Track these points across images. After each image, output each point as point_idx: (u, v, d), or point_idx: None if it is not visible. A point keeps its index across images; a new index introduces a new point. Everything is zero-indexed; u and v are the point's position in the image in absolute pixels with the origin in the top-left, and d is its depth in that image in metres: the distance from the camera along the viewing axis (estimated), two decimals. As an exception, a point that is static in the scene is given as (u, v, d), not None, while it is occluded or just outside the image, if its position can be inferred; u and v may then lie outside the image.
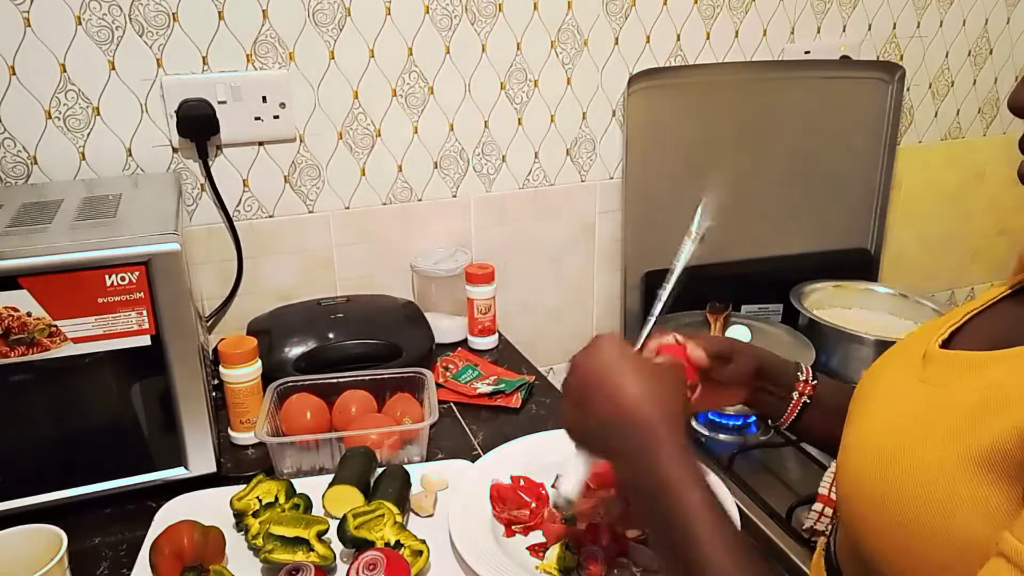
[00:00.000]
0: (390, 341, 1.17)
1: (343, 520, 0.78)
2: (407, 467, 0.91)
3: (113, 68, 1.11)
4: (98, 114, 1.12)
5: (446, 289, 1.30)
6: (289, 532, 0.77)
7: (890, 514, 0.51)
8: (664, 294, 0.77)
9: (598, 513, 0.79)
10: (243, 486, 0.85)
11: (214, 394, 0.98)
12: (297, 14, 1.17)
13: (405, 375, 1.06)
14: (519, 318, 1.46)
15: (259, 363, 1.01)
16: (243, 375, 0.99)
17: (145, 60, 1.12)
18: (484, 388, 1.14)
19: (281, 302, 1.27)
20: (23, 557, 0.71)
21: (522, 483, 0.87)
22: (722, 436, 1.20)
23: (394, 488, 0.86)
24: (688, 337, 0.77)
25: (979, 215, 1.82)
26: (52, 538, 0.72)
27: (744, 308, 1.52)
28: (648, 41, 1.39)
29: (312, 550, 0.76)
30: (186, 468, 0.92)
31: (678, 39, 1.41)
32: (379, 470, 0.90)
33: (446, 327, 1.30)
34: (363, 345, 1.16)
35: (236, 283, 1.25)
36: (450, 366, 1.21)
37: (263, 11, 1.15)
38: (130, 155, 1.15)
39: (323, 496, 0.86)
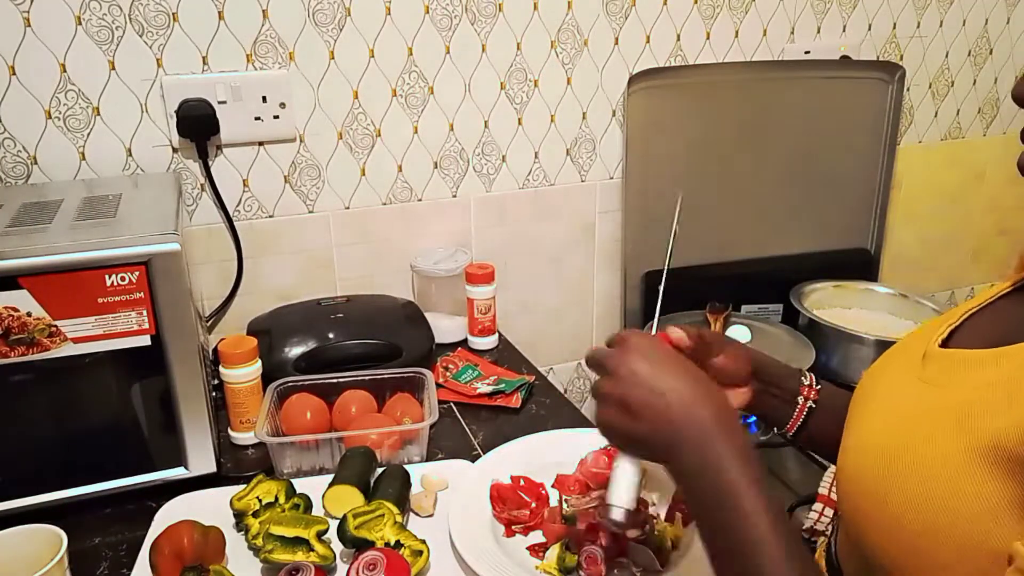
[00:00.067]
0: (390, 341, 1.17)
1: (343, 520, 0.78)
2: (407, 467, 0.91)
3: (113, 68, 1.11)
4: (98, 114, 1.12)
5: (446, 289, 1.30)
6: (289, 532, 0.77)
7: (891, 513, 0.51)
8: (660, 290, 0.75)
9: (598, 513, 0.79)
10: (243, 486, 0.85)
11: (214, 394, 0.98)
12: (297, 14, 1.17)
13: (405, 375, 1.06)
14: (519, 318, 1.46)
15: (259, 363, 1.01)
16: (243, 375, 0.99)
17: (145, 60, 1.12)
18: (484, 388, 1.14)
19: (281, 302, 1.27)
20: (23, 557, 0.71)
21: (522, 483, 0.87)
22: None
23: (394, 488, 0.86)
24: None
25: (979, 215, 1.82)
26: (52, 538, 0.72)
27: (744, 308, 1.52)
28: (648, 41, 1.39)
29: (312, 550, 0.76)
30: (186, 468, 0.92)
31: (678, 39, 1.41)
32: (379, 470, 0.90)
33: (446, 327, 1.29)
34: (363, 345, 1.16)
35: (236, 283, 1.25)
36: (450, 366, 1.21)
37: (263, 11, 1.15)
38: (130, 155, 1.15)
39: (323, 496, 0.86)
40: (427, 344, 1.21)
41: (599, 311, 1.54)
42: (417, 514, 0.87)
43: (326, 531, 0.78)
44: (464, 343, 1.30)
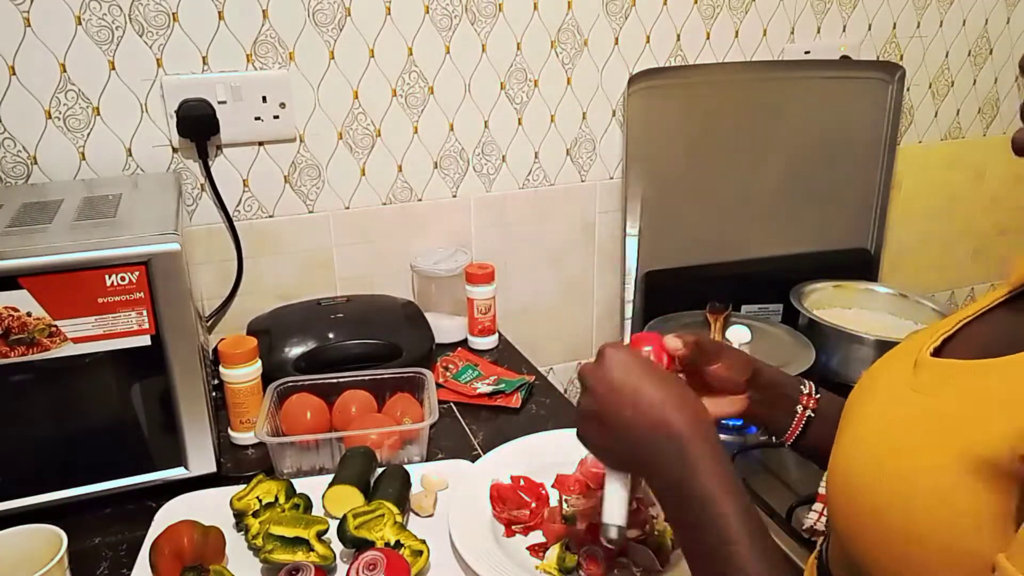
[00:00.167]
0: (390, 341, 1.17)
1: (343, 520, 0.78)
2: (407, 467, 0.91)
3: (113, 68, 1.11)
4: (98, 114, 1.12)
5: (446, 289, 1.30)
6: (289, 532, 0.77)
7: (881, 522, 0.51)
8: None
9: (598, 513, 0.79)
10: (243, 486, 0.85)
11: (214, 394, 0.98)
12: (297, 14, 1.17)
13: (405, 375, 1.06)
14: (519, 318, 1.46)
15: (259, 363, 1.01)
16: (243, 375, 0.99)
17: (145, 60, 1.12)
18: (484, 388, 1.14)
19: (281, 302, 1.27)
20: (23, 557, 0.71)
21: (522, 483, 0.87)
22: (722, 436, 1.20)
23: (394, 488, 0.86)
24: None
25: (979, 215, 1.82)
26: (52, 538, 0.72)
27: (744, 308, 1.52)
28: (648, 41, 1.39)
29: (312, 550, 0.76)
30: (186, 468, 0.92)
31: (678, 39, 1.41)
32: (379, 470, 0.90)
33: (446, 327, 1.30)
34: (363, 345, 1.16)
35: (236, 283, 1.25)
36: (450, 366, 1.21)
37: (263, 11, 1.15)
38: (130, 155, 1.15)
39: (323, 496, 0.86)
40: (427, 344, 1.21)
41: (599, 311, 1.54)
42: (417, 514, 0.87)
43: (326, 531, 0.78)
44: (464, 343, 1.30)
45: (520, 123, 1.36)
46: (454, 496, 0.86)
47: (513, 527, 0.82)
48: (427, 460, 0.98)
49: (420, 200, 1.34)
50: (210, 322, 1.25)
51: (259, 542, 0.78)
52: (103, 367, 0.85)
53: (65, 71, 1.09)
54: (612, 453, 0.64)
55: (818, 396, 0.78)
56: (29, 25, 1.05)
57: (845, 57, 1.54)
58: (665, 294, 1.48)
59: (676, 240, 1.49)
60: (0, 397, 0.82)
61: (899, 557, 0.50)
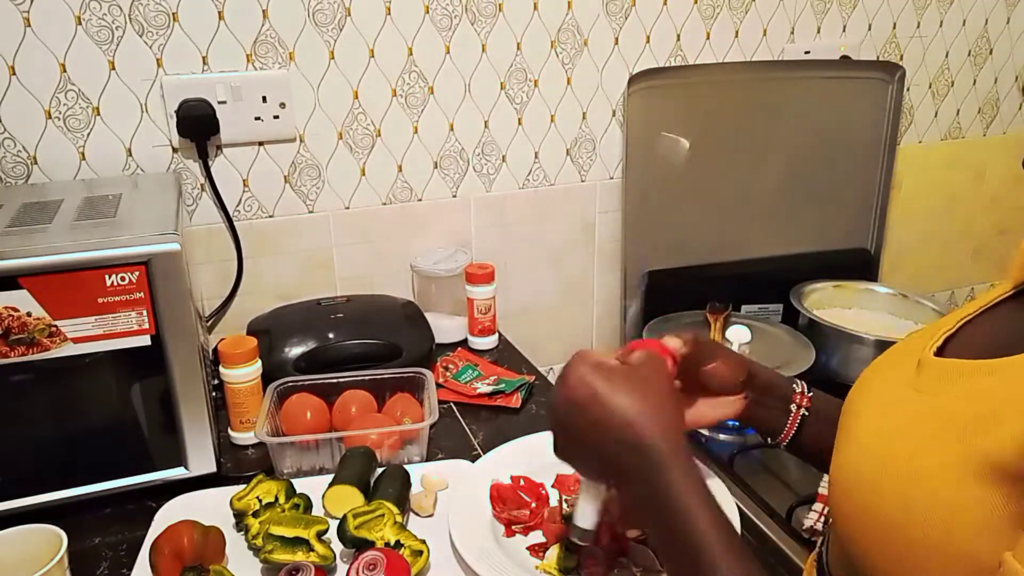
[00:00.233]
0: (390, 341, 1.17)
1: (343, 520, 0.78)
2: (407, 467, 0.91)
3: (113, 68, 1.11)
4: (98, 114, 1.12)
5: (446, 289, 1.30)
6: (289, 532, 0.77)
7: (882, 522, 0.51)
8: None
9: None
10: (243, 486, 0.85)
11: (214, 394, 0.98)
12: (297, 14, 1.17)
13: (405, 375, 1.06)
14: (519, 318, 1.46)
15: (259, 363, 1.01)
16: (243, 375, 0.99)
17: (145, 60, 1.12)
18: (484, 388, 1.14)
19: (281, 302, 1.27)
20: (23, 557, 0.71)
21: (522, 483, 0.87)
22: (722, 436, 1.20)
23: (394, 488, 0.86)
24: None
25: (979, 215, 1.82)
26: (52, 538, 0.72)
27: (744, 308, 1.52)
28: (648, 41, 1.39)
29: (312, 550, 0.76)
30: (186, 468, 0.92)
31: (678, 39, 1.41)
32: (379, 470, 0.90)
33: (446, 327, 1.30)
34: (363, 345, 1.16)
35: (236, 283, 1.25)
36: (450, 366, 1.21)
37: (263, 11, 1.15)
38: (130, 155, 1.15)
39: (323, 496, 0.86)
40: (427, 344, 1.21)
41: (599, 311, 1.54)
42: (417, 514, 0.87)
43: (326, 531, 0.78)
44: (464, 343, 1.30)
45: (520, 123, 1.36)
46: (454, 496, 0.86)
47: (513, 527, 0.82)
48: (427, 460, 0.98)
49: (420, 200, 1.34)
50: (210, 322, 1.25)
51: (259, 542, 0.78)
52: (103, 367, 0.85)
53: (65, 71, 1.09)
54: (583, 465, 0.65)
55: (811, 395, 0.78)
56: (29, 25, 1.05)
57: (845, 57, 1.54)
58: (665, 294, 1.48)
59: (676, 240, 1.49)
60: (0, 397, 0.82)
61: (900, 558, 0.50)
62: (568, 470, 0.86)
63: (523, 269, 1.45)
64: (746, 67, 1.47)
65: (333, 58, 1.21)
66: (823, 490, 0.98)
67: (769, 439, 0.79)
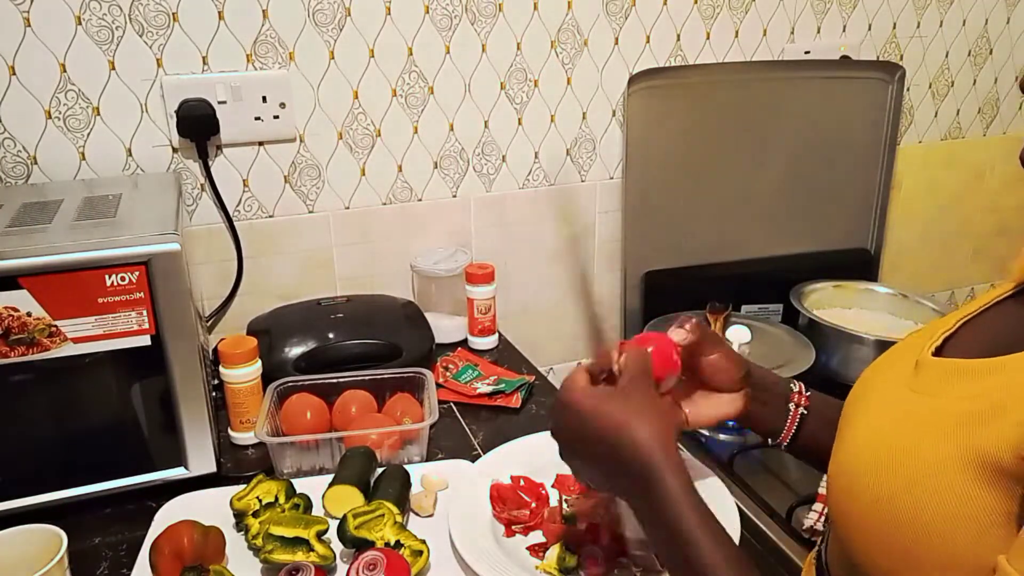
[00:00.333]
0: (390, 341, 1.17)
1: (343, 520, 0.78)
2: (407, 467, 0.91)
3: (113, 68, 1.11)
4: (98, 114, 1.12)
5: (446, 289, 1.30)
6: (289, 532, 0.77)
7: (880, 522, 0.51)
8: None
9: (598, 513, 0.79)
10: (243, 486, 0.85)
11: (214, 394, 0.98)
12: (297, 14, 1.17)
13: (405, 375, 1.06)
14: (519, 318, 1.46)
15: (259, 363, 1.01)
16: (243, 375, 0.99)
17: (145, 60, 1.12)
18: (484, 388, 1.14)
19: (281, 302, 1.27)
20: (23, 557, 0.71)
21: (522, 483, 0.87)
22: (722, 436, 1.20)
23: (394, 488, 0.86)
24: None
25: (979, 215, 1.82)
26: (52, 538, 0.72)
27: (744, 308, 1.52)
28: (648, 41, 1.39)
29: (312, 550, 0.76)
30: (186, 468, 0.92)
31: (678, 39, 1.41)
32: (379, 470, 0.90)
33: (446, 327, 1.30)
34: (363, 345, 1.16)
35: (236, 283, 1.25)
36: (450, 366, 1.21)
37: (263, 11, 1.15)
38: (130, 155, 1.15)
39: (323, 496, 0.86)
40: (427, 344, 1.21)
41: (599, 311, 1.54)
42: (417, 514, 0.87)
43: (326, 531, 0.78)
44: (464, 343, 1.30)
45: (520, 123, 1.36)
46: (454, 496, 0.86)
47: (513, 527, 0.82)
48: (427, 460, 0.97)
49: (420, 200, 1.34)
50: (210, 322, 1.25)
51: (259, 542, 0.78)
52: (103, 367, 0.85)
53: (65, 71, 1.09)
54: (591, 479, 0.67)
55: (809, 395, 0.78)
56: (29, 25, 1.05)
57: (845, 57, 1.54)
58: (665, 294, 1.48)
59: (676, 240, 1.49)
60: (0, 397, 0.82)
61: (899, 557, 0.50)
62: (569, 469, 0.87)
63: (523, 269, 1.45)
64: (746, 67, 1.47)
65: (333, 58, 1.21)
66: (823, 490, 0.98)
67: (770, 440, 0.79)
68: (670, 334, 0.73)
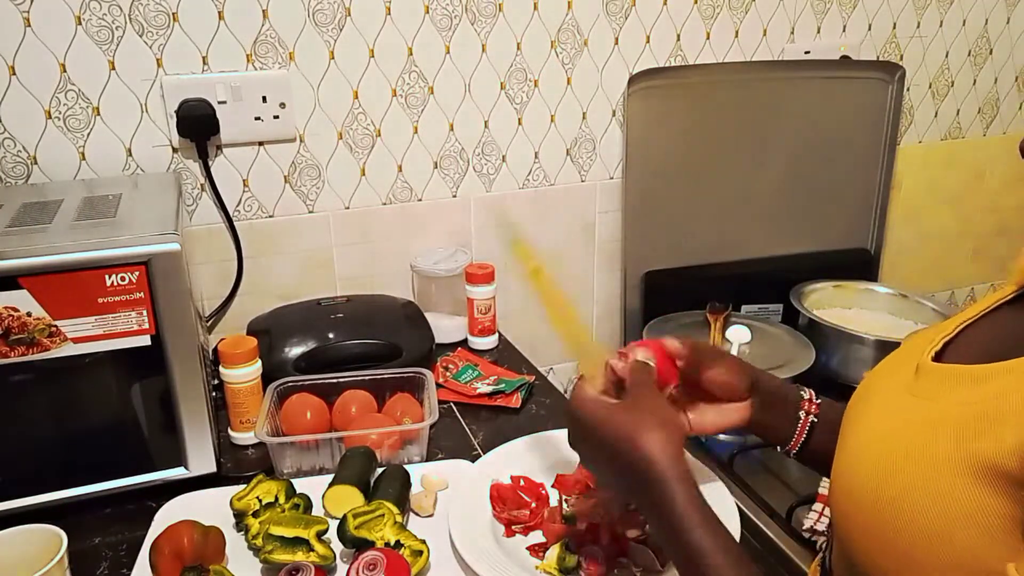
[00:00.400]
0: (390, 341, 1.17)
1: (343, 520, 0.78)
2: (407, 467, 0.91)
3: (113, 68, 1.11)
4: (98, 114, 1.12)
5: (446, 289, 1.30)
6: (289, 532, 0.77)
7: (884, 530, 0.51)
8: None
9: (598, 513, 0.79)
10: (243, 486, 0.85)
11: (214, 394, 0.98)
12: (297, 14, 1.17)
13: (405, 375, 1.06)
14: (519, 318, 1.46)
15: (259, 363, 1.01)
16: (243, 375, 0.99)
17: (145, 60, 1.12)
18: (484, 388, 1.14)
19: (281, 302, 1.27)
20: (23, 557, 0.71)
21: (522, 483, 0.87)
22: (722, 436, 1.20)
23: (394, 488, 0.86)
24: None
25: (979, 215, 1.82)
26: (52, 538, 0.72)
27: (744, 308, 1.52)
28: (648, 41, 1.39)
29: (312, 550, 0.76)
30: (186, 468, 0.92)
31: (678, 39, 1.41)
32: (379, 470, 0.90)
33: (446, 327, 1.30)
34: (363, 345, 1.16)
35: (236, 283, 1.25)
36: (450, 366, 1.21)
37: (263, 11, 1.15)
38: (130, 155, 1.15)
39: (323, 496, 0.86)
40: (427, 344, 1.21)
41: (599, 311, 1.54)
42: (417, 514, 0.87)
43: (326, 531, 0.78)
44: (464, 343, 1.30)
45: (520, 123, 1.36)
46: (454, 496, 0.86)
47: (513, 527, 0.82)
48: (427, 460, 0.97)
49: (420, 200, 1.34)
50: (210, 322, 1.25)
51: (259, 542, 0.78)
52: (103, 367, 0.85)
53: (65, 71, 1.09)
54: (612, 488, 0.70)
55: (819, 402, 0.77)
56: (29, 25, 1.05)
57: (845, 57, 1.54)
58: (665, 294, 1.48)
59: (676, 240, 1.49)
60: (0, 397, 0.82)
61: (900, 560, 0.50)
62: (568, 469, 0.87)
63: (523, 269, 1.44)
64: (746, 67, 1.47)
65: (333, 58, 1.21)
66: (823, 490, 0.98)
67: (779, 448, 0.78)
68: (665, 343, 0.74)
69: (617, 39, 1.37)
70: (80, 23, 1.07)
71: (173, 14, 1.11)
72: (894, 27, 1.57)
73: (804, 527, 0.96)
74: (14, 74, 1.07)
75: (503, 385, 1.14)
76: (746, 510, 1.01)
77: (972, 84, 1.70)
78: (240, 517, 0.83)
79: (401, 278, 1.36)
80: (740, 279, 1.53)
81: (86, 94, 1.10)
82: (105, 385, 0.86)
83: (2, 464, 0.85)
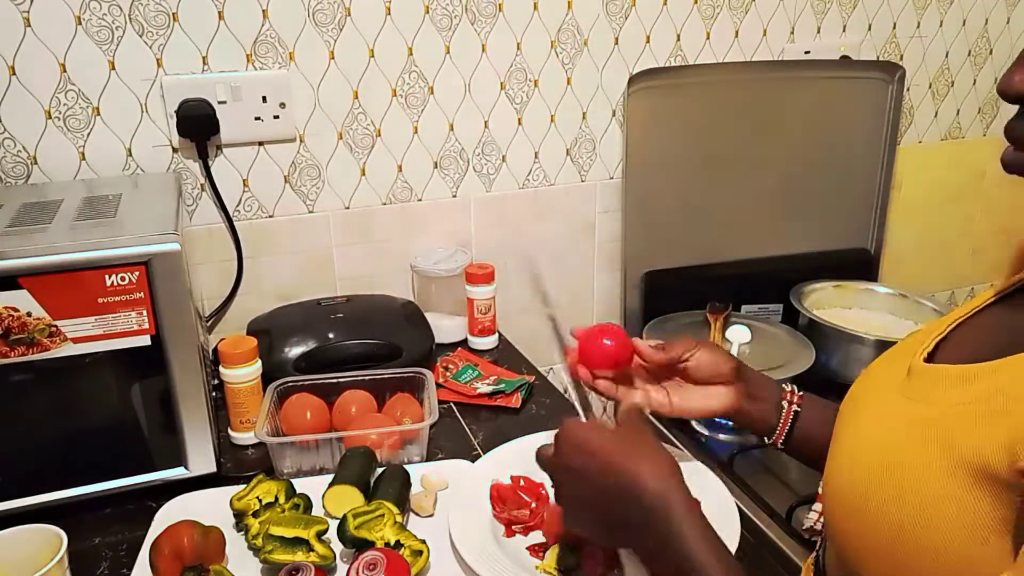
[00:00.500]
0: (390, 341, 1.17)
1: (343, 520, 0.78)
2: (407, 467, 0.91)
3: (113, 68, 1.11)
4: (98, 114, 1.12)
5: (446, 289, 1.30)
6: (289, 532, 0.77)
7: (875, 529, 0.51)
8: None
9: None
10: (243, 486, 0.85)
11: (214, 394, 0.98)
12: (297, 14, 1.17)
13: (405, 375, 1.06)
14: (519, 318, 1.46)
15: (259, 363, 1.01)
16: (243, 375, 0.99)
17: (145, 60, 1.12)
18: (484, 388, 1.14)
19: (281, 302, 1.27)
20: (23, 557, 0.71)
21: (522, 483, 0.87)
22: (722, 436, 1.20)
23: (394, 488, 0.86)
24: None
25: (979, 215, 1.82)
26: (52, 538, 0.72)
27: (744, 308, 1.52)
28: (648, 41, 1.39)
29: (312, 550, 0.76)
30: (186, 468, 0.92)
31: (678, 39, 1.41)
32: (379, 470, 0.90)
33: (446, 327, 1.30)
34: (363, 345, 1.16)
35: (236, 283, 1.25)
36: (450, 366, 1.21)
37: (263, 11, 1.15)
38: (130, 155, 1.15)
39: (323, 496, 0.86)
40: (427, 344, 1.21)
41: (599, 311, 1.54)
42: (417, 514, 0.87)
43: (326, 531, 0.78)
44: (464, 343, 1.30)
45: (520, 123, 1.36)
46: (454, 496, 0.86)
47: (513, 527, 0.82)
48: (427, 460, 0.97)
49: (420, 200, 1.34)
50: (210, 322, 1.25)
51: (259, 542, 0.78)
52: (103, 367, 0.85)
53: (65, 71, 1.09)
54: (595, 531, 0.66)
55: (801, 394, 0.79)
56: (29, 25, 1.05)
57: (845, 57, 1.54)
58: (665, 294, 1.48)
59: (676, 240, 1.49)
60: (0, 397, 0.82)
61: (893, 563, 0.50)
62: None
63: (523, 269, 1.45)
64: (746, 67, 1.47)
65: (333, 58, 1.21)
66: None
67: (765, 438, 0.80)
68: (635, 342, 0.79)
69: (617, 39, 1.37)
70: (80, 23, 1.07)
71: (173, 14, 1.11)
72: (894, 27, 1.57)
73: (804, 527, 0.95)
74: (14, 74, 1.07)
75: (503, 385, 1.14)
76: (746, 510, 1.01)
77: (972, 84, 1.70)
78: (240, 517, 0.83)
79: (401, 278, 1.36)
80: (740, 279, 1.53)
81: (86, 94, 1.10)
82: (105, 385, 0.86)
83: (2, 464, 0.85)
